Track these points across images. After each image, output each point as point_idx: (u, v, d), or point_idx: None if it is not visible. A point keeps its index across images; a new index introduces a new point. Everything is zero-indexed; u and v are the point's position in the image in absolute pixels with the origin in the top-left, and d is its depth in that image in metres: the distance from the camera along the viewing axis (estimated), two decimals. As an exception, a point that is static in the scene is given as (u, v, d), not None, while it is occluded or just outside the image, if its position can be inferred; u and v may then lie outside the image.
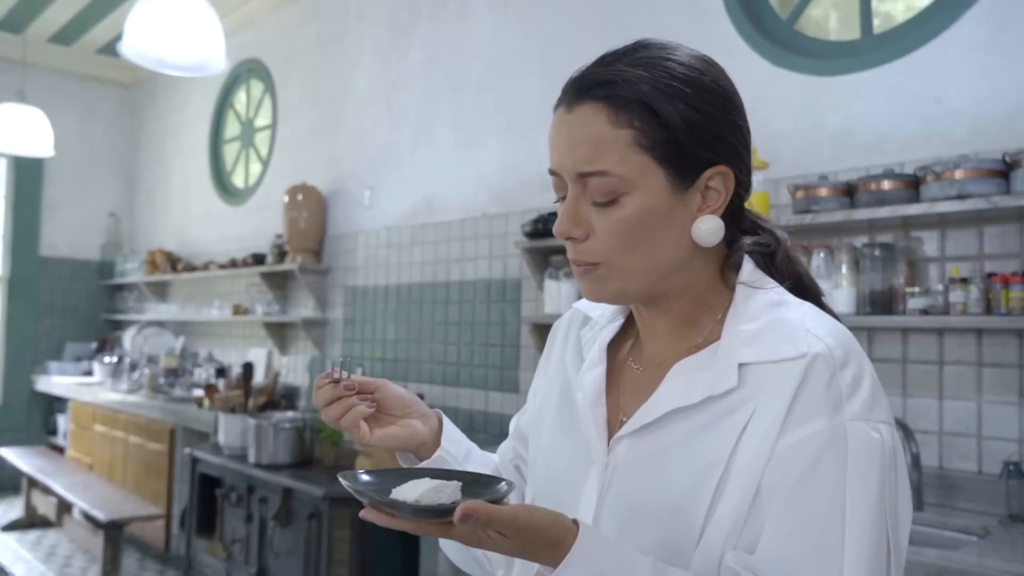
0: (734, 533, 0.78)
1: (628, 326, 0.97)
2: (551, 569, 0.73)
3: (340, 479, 0.81)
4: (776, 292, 0.87)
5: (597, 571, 0.73)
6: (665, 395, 0.85)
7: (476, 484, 0.80)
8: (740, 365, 0.81)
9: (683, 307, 0.89)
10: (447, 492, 0.75)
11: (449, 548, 1.06)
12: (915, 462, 2.39)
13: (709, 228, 0.84)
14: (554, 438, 0.96)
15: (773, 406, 0.78)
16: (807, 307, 0.85)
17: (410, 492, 0.75)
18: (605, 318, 0.98)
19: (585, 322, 1.01)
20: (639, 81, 0.82)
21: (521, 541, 0.72)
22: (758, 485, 0.77)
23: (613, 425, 0.90)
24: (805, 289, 0.91)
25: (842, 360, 0.78)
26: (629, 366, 0.94)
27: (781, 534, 0.75)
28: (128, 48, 3.36)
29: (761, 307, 0.85)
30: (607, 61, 0.85)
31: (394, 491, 0.76)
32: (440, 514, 0.72)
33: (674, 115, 0.82)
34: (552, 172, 0.87)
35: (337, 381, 0.94)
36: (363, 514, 0.76)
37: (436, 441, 0.99)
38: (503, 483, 0.80)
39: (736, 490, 0.78)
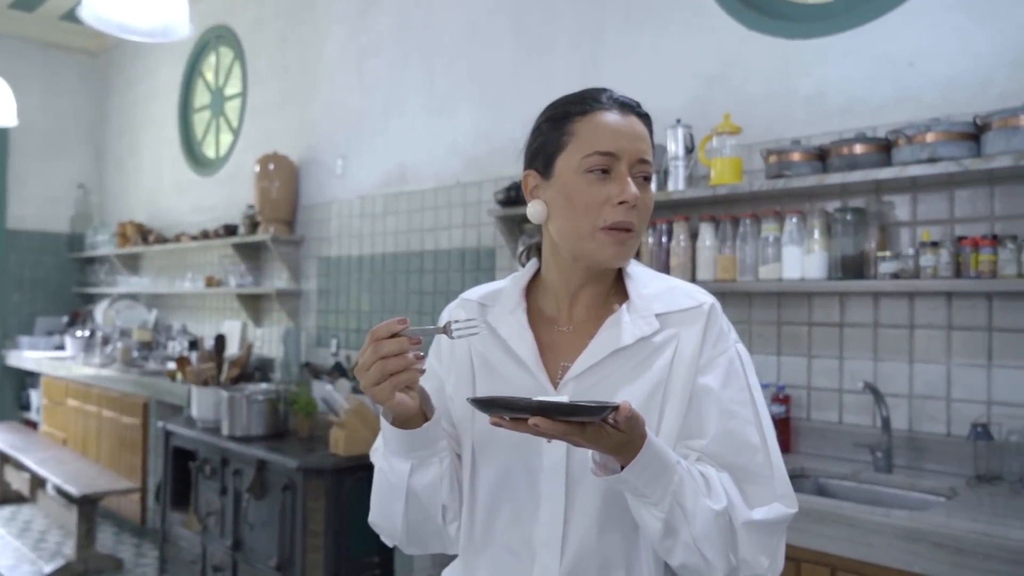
0: (677, 428, 1.09)
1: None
2: (617, 461, 0.98)
3: (474, 403, 0.95)
4: (647, 268, 1.22)
5: (660, 455, 0.98)
6: (604, 342, 1.12)
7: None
8: (656, 315, 1.13)
9: (609, 278, 1.19)
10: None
11: (400, 527, 1.16)
12: (885, 425, 2.41)
13: None
14: None
15: (691, 338, 1.12)
16: (673, 277, 1.22)
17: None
18: (512, 300, 1.20)
19: (480, 308, 1.23)
20: None
21: (628, 436, 0.94)
22: (691, 392, 1.10)
23: (552, 376, 1.14)
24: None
25: (720, 308, 1.16)
26: (557, 330, 1.19)
27: (723, 419, 1.09)
28: (88, 12, 3.26)
29: (648, 277, 1.20)
30: (626, 96, 1.16)
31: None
32: (580, 413, 0.90)
33: None
34: (608, 153, 1.11)
35: (399, 334, 1.00)
36: (502, 423, 0.94)
37: (421, 414, 1.09)
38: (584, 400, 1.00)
39: (676, 399, 1.10)
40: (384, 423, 1.10)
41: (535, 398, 0.92)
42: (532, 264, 1.25)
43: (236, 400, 3.63)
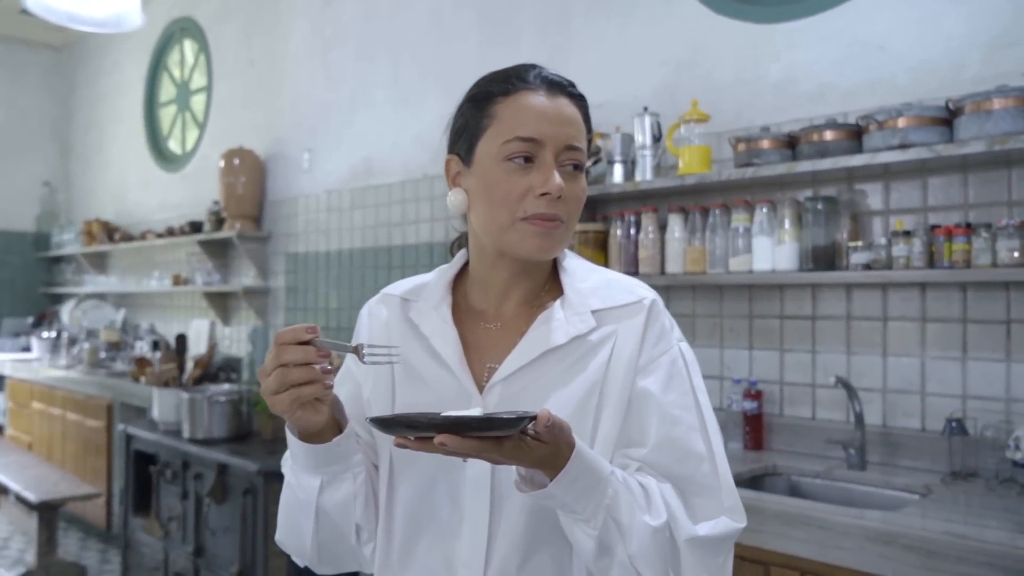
0: (615, 435, 1.00)
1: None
2: (544, 475, 0.88)
3: (375, 423, 0.85)
4: (585, 261, 1.12)
5: (591, 466, 0.90)
6: (535, 341, 1.02)
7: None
8: (593, 311, 1.03)
9: (542, 272, 1.09)
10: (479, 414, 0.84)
11: (309, 547, 1.06)
12: (858, 421, 2.34)
13: None
14: (412, 406, 1.04)
15: (630, 337, 1.02)
16: (612, 271, 1.12)
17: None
18: (436, 295, 1.09)
19: (403, 304, 1.11)
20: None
21: (552, 447, 0.86)
22: (630, 395, 1.00)
23: (479, 378, 1.03)
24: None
25: (662, 304, 1.08)
26: (483, 327, 1.08)
27: (665, 425, 0.99)
28: (34, 2, 3.15)
29: (586, 271, 1.10)
30: (557, 74, 1.06)
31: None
32: (493, 427, 0.80)
33: None
34: (529, 139, 0.99)
35: (309, 343, 0.90)
36: (403, 443, 0.84)
37: (333, 426, 0.99)
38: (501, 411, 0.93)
39: (613, 403, 1.00)
40: (289, 435, 0.99)
41: (443, 413, 0.82)
42: (461, 255, 1.15)
43: (197, 402, 3.51)
